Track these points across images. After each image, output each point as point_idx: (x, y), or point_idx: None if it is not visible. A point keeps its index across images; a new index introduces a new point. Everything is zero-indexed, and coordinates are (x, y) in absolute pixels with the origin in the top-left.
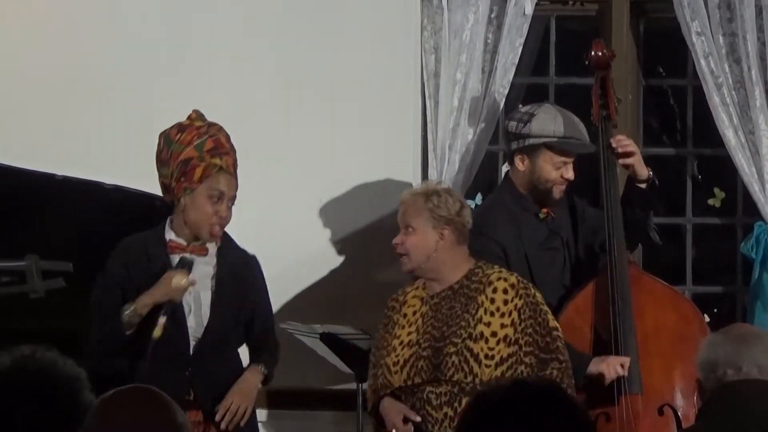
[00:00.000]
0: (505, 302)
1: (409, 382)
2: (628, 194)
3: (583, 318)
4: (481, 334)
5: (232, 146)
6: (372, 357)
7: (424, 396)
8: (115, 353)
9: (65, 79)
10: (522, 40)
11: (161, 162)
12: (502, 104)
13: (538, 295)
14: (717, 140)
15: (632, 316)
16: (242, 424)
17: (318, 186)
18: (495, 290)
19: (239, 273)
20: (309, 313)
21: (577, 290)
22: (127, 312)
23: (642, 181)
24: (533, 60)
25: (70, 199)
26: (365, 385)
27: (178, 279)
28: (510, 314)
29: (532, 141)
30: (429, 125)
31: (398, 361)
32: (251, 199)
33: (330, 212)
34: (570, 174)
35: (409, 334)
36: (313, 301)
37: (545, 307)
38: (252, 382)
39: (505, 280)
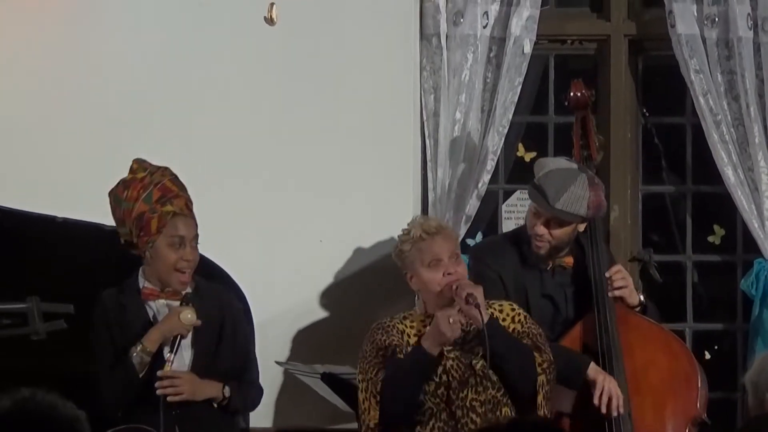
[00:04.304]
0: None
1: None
2: None
3: None
4: None
5: (180, 185)
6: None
7: (467, 404)
8: (132, 399)
9: (65, 123)
10: (521, 79)
11: (117, 222)
12: (501, 143)
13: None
14: (716, 177)
15: (621, 355)
16: (168, 398)
17: (318, 226)
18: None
19: (216, 313)
20: (310, 354)
21: (565, 331)
22: (135, 354)
23: (633, 307)
24: (532, 99)
25: (70, 241)
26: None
27: (187, 314)
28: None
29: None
30: (429, 164)
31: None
32: (252, 239)
33: (330, 252)
34: (539, 230)
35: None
36: (313, 341)
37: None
38: (206, 387)
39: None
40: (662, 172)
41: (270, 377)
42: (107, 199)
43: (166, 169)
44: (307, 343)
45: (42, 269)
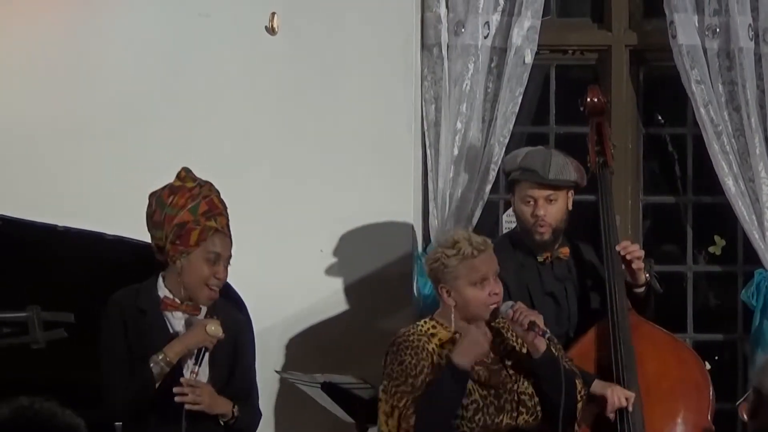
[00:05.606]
0: None
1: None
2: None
3: (584, 365)
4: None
5: (224, 204)
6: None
7: (502, 429)
8: (143, 408)
9: (67, 131)
10: (522, 89)
11: (154, 224)
12: (502, 153)
13: None
14: (717, 188)
15: (634, 364)
16: (186, 405)
17: (319, 236)
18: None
19: (231, 332)
20: (310, 363)
21: (578, 337)
22: (155, 363)
23: (639, 286)
24: (533, 109)
25: (71, 250)
26: None
27: (212, 327)
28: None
29: (510, 178)
30: (429, 174)
31: None
32: (252, 249)
33: (331, 262)
34: (540, 212)
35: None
36: (314, 350)
37: None
38: (221, 402)
39: None
40: (663, 183)
41: (269, 387)
42: (106, 205)
43: (212, 185)
44: (306, 352)
45: (43, 278)
